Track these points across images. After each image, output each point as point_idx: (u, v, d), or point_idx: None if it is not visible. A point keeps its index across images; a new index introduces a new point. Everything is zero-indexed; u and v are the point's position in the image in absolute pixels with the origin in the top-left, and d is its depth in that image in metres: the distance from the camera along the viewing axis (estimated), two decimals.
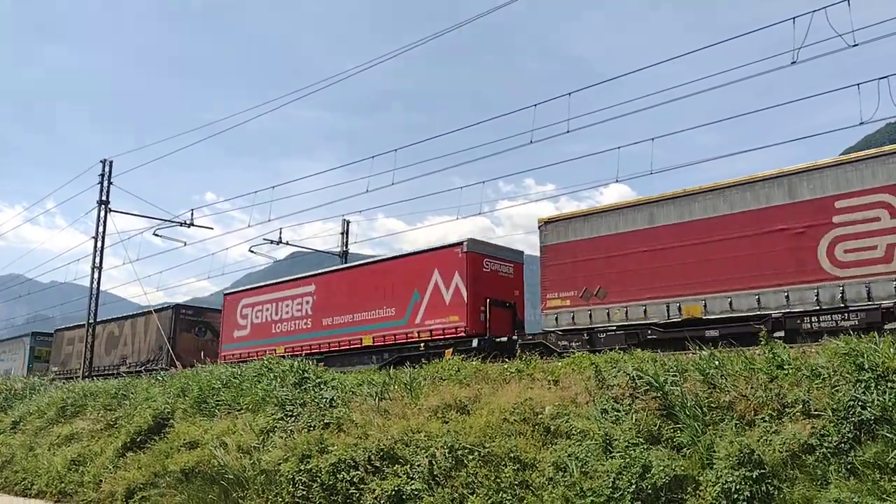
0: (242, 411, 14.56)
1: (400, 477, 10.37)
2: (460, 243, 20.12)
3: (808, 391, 8.34)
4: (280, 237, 35.93)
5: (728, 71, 17.06)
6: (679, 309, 16.03)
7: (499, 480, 9.51)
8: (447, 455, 10.15)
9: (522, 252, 21.97)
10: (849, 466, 7.40)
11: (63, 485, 16.88)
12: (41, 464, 18.29)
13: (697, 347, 10.98)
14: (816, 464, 7.61)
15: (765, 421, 8.34)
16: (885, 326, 12.92)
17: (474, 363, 13.51)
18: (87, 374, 32.14)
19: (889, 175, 13.80)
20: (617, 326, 17.02)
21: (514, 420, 10.35)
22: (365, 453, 11.01)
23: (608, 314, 17.25)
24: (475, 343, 18.89)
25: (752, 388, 8.85)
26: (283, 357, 22.69)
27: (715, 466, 8.06)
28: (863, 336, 9.13)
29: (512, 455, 9.70)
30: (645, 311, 16.61)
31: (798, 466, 7.71)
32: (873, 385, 7.84)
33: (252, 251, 36.89)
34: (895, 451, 7.16)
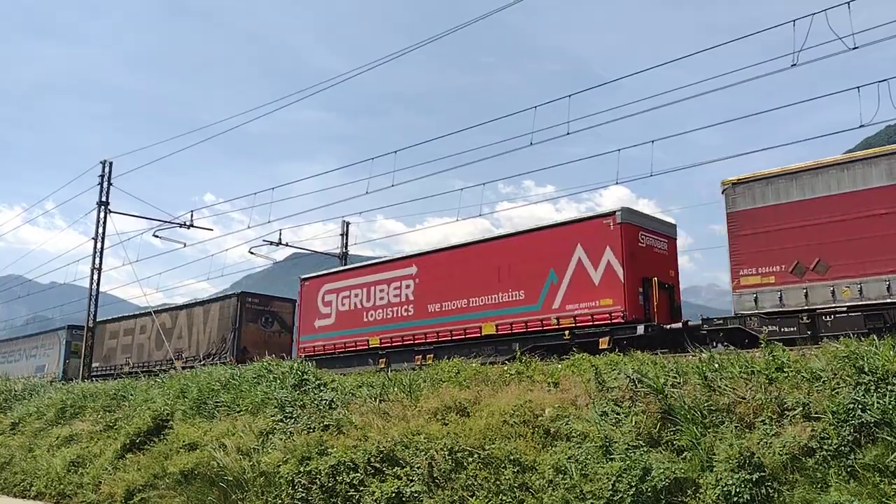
0: (242, 413, 14.55)
1: (400, 479, 10.36)
2: (612, 213, 17.46)
3: (808, 394, 8.34)
4: (280, 238, 35.94)
5: (728, 73, 17.08)
6: None
7: (499, 483, 9.50)
8: (447, 457, 10.14)
9: (676, 225, 19.55)
10: (849, 469, 7.40)
11: (62, 486, 16.86)
12: (40, 465, 18.27)
13: None
14: (816, 467, 7.61)
15: (764, 424, 8.33)
16: None
17: (474, 365, 13.50)
18: (86, 375, 32.09)
19: None
20: (849, 307, 14.40)
21: (514, 422, 10.35)
22: (365, 455, 11.00)
23: (832, 292, 14.60)
24: (640, 330, 16.35)
25: (751, 390, 8.85)
26: (380, 349, 21.87)
27: (715, 469, 8.06)
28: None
29: (512, 457, 9.69)
30: (889, 288, 13.97)
31: (798, 469, 7.70)
32: (873, 388, 7.84)
33: (252, 252, 36.88)
34: (895, 453, 7.16)
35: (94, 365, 34.35)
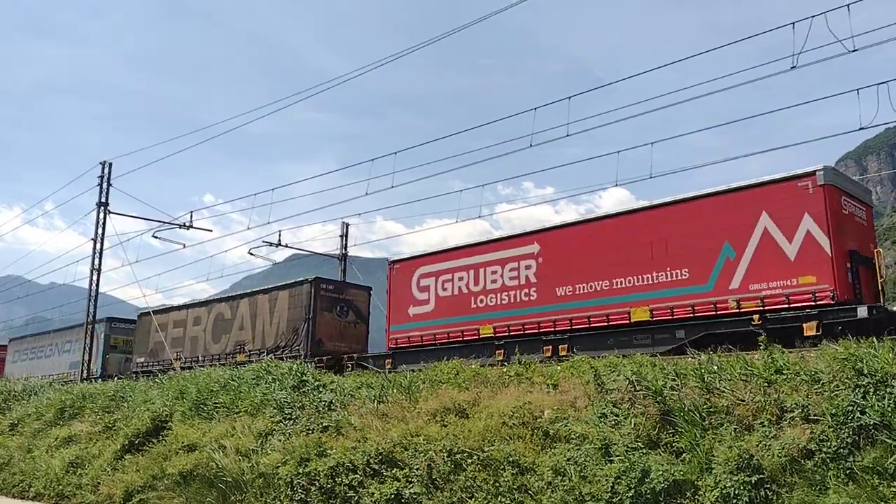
0: (241, 414, 14.54)
1: (399, 480, 10.36)
2: (810, 173, 14.75)
3: (807, 396, 8.34)
4: (279, 239, 35.94)
5: (728, 76, 17.12)
6: None
7: (497, 484, 9.51)
8: (446, 459, 10.15)
9: (871, 191, 17.43)
10: (848, 472, 7.40)
11: (61, 487, 16.84)
12: (39, 466, 18.25)
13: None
14: (815, 469, 7.61)
15: (763, 426, 8.33)
16: None
17: (473, 366, 13.50)
18: (84, 376, 32.06)
19: None
20: None
21: (513, 424, 10.36)
22: (364, 457, 11.00)
23: None
24: (863, 312, 13.58)
25: (750, 392, 8.85)
26: (495, 339, 19.26)
27: (714, 471, 8.06)
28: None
29: (511, 459, 9.69)
30: None
31: (797, 471, 7.70)
32: (872, 390, 7.83)
33: (251, 253, 36.88)
34: (894, 456, 7.16)
35: (138, 360, 32.98)
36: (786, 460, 7.78)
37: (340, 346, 25.09)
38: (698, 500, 7.98)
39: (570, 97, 19.58)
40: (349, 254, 38.41)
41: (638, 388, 9.79)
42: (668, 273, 16.46)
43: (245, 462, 12.71)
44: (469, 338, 20.17)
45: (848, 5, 14.92)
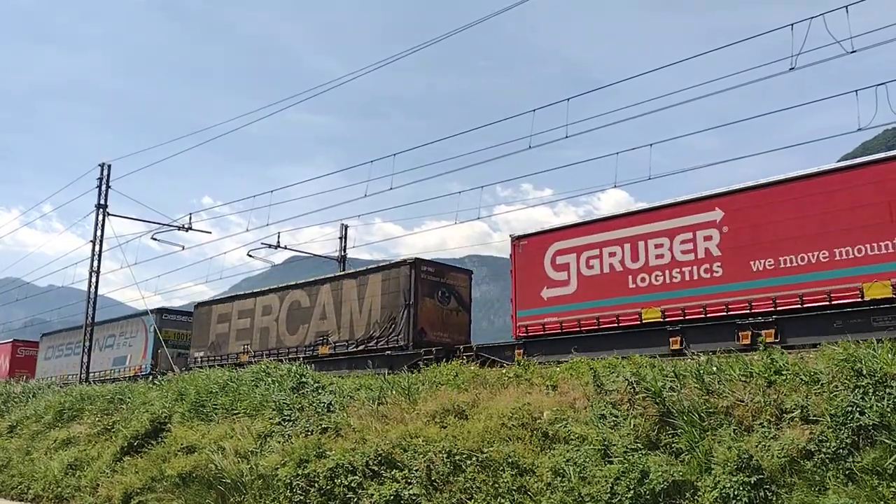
0: (240, 415, 14.53)
1: (398, 482, 10.35)
2: None
3: (807, 397, 8.35)
4: (278, 241, 35.98)
5: (726, 77, 17.15)
6: None
7: (497, 485, 9.50)
8: (445, 460, 10.14)
9: None
10: (847, 472, 7.40)
11: (60, 489, 16.82)
12: (38, 468, 18.23)
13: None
14: (815, 469, 7.61)
15: (763, 426, 8.34)
16: None
17: (472, 368, 13.51)
18: (84, 377, 32.01)
19: None
20: None
21: (513, 425, 10.35)
22: (363, 458, 10.99)
23: None
24: None
25: (750, 393, 8.85)
26: (667, 324, 16.47)
27: (713, 472, 8.06)
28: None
29: (510, 460, 9.69)
30: None
31: (796, 472, 7.71)
32: (871, 391, 7.84)
33: (250, 255, 36.92)
34: (893, 456, 7.17)
35: (197, 355, 30.00)
36: (785, 461, 7.79)
37: (443, 337, 22.47)
38: (697, 501, 7.98)
39: (568, 99, 19.59)
40: (348, 255, 38.46)
41: (637, 389, 9.80)
42: None
43: (244, 463, 12.69)
44: (627, 323, 17.31)
45: (846, 7, 14.94)
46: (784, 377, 8.88)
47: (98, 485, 15.70)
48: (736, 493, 7.68)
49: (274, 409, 13.87)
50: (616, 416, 9.65)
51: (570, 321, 18.36)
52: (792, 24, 15.50)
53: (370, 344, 22.81)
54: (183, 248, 36.16)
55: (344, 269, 35.76)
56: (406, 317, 22.12)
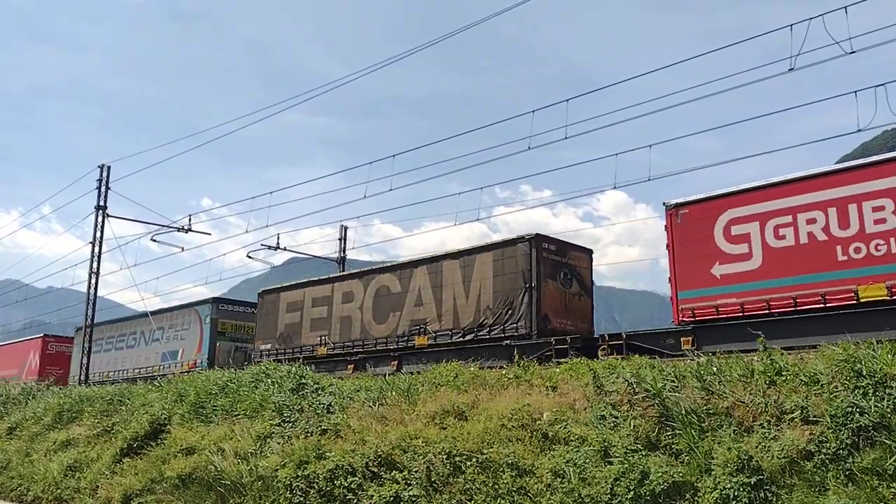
0: (240, 417, 14.53)
1: (398, 483, 10.34)
2: None
3: (807, 397, 8.35)
4: (278, 243, 35.99)
5: (725, 78, 17.15)
6: None
7: (497, 487, 9.49)
8: (445, 461, 10.13)
9: None
10: (847, 473, 7.40)
11: (59, 491, 16.81)
12: (37, 470, 18.21)
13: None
14: (815, 470, 7.61)
15: (763, 427, 8.34)
16: None
17: (472, 369, 13.50)
18: (83, 379, 31.97)
19: None
20: None
21: (512, 426, 10.35)
22: (363, 459, 10.98)
23: None
24: None
25: (750, 394, 8.85)
26: (888, 301, 13.69)
27: (713, 473, 8.06)
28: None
29: (510, 461, 9.69)
30: None
31: (796, 473, 7.70)
32: (871, 391, 7.84)
33: (249, 257, 36.93)
34: (893, 457, 7.16)
35: (263, 348, 27.38)
36: (785, 461, 7.78)
37: (566, 324, 19.75)
38: (697, 502, 7.97)
39: (568, 100, 19.59)
40: (347, 257, 38.46)
41: (637, 389, 9.79)
42: None
43: (244, 465, 12.68)
44: (838, 302, 14.47)
45: (846, 7, 14.95)
46: (784, 378, 8.88)
47: (98, 486, 15.69)
48: (736, 493, 7.67)
49: (273, 411, 13.86)
50: (616, 417, 9.65)
51: (755, 302, 15.54)
52: (791, 25, 15.52)
53: (480, 332, 20.12)
54: (182, 250, 36.16)
55: (343, 270, 35.73)
56: (528, 301, 19.20)
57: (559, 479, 9.13)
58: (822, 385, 8.40)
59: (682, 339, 16.43)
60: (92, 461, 16.95)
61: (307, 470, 11.49)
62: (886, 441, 7.31)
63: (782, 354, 9.63)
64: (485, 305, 20.21)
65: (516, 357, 16.53)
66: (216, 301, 31.74)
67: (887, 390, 7.76)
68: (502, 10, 21.61)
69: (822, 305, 14.63)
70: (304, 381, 14.95)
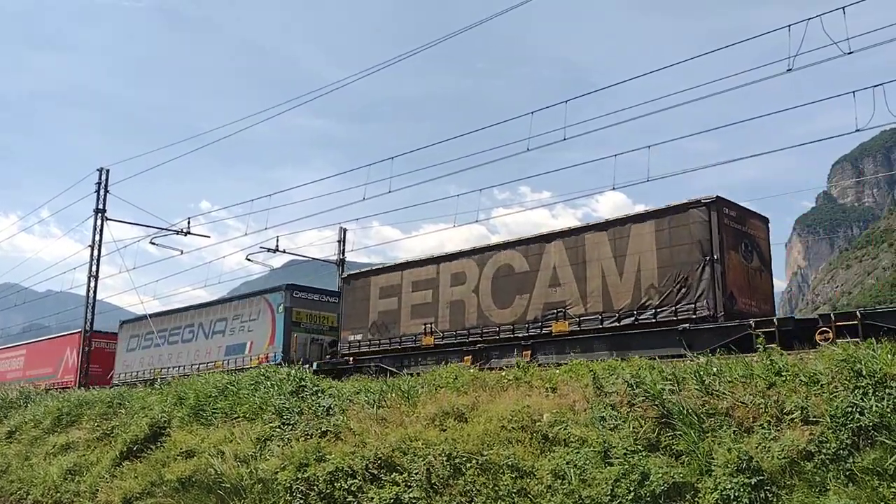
0: (239, 420, 14.51)
1: (398, 485, 10.34)
2: None
3: (807, 398, 8.34)
4: (277, 245, 35.94)
5: (724, 79, 17.12)
6: None
7: (497, 488, 9.49)
8: (445, 463, 10.13)
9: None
10: (847, 473, 7.39)
11: (59, 494, 16.79)
12: (37, 473, 18.20)
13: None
14: (815, 470, 7.60)
15: (763, 428, 8.33)
16: None
17: (472, 370, 13.48)
18: (82, 381, 31.87)
19: None
20: None
21: (513, 428, 10.34)
22: (363, 461, 10.97)
23: None
24: None
25: (750, 394, 8.84)
26: None
27: (713, 473, 8.05)
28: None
29: (510, 463, 9.68)
30: None
31: (797, 473, 7.70)
32: (871, 391, 7.84)
33: (249, 259, 36.87)
34: (893, 457, 7.16)
35: (352, 339, 23.89)
36: (785, 462, 7.78)
37: (751, 305, 16.57)
38: (698, 503, 7.97)
39: (567, 101, 19.52)
40: (346, 259, 38.44)
41: (637, 390, 9.79)
42: None
43: (244, 468, 12.67)
44: None
45: (843, 8, 14.95)
46: (784, 378, 8.88)
47: (97, 490, 15.68)
48: (736, 494, 7.67)
49: (273, 413, 13.85)
50: (616, 418, 9.64)
51: None
52: (789, 26, 15.52)
53: (642, 316, 16.82)
54: (181, 253, 36.03)
55: (343, 272, 35.52)
56: (710, 276, 15.90)
57: (559, 481, 9.12)
58: (821, 385, 8.39)
59: None
60: (91, 465, 16.94)
61: (307, 472, 11.48)
62: (886, 441, 7.31)
63: (782, 355, 9.70)
64: (648, 283, 16.98)
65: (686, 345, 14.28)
66: (290, 288, 28.35)
67: (887, 390, 7.75)
68: (501, 11, 21.59)
69: None
70: (303, 383, 14.93)
